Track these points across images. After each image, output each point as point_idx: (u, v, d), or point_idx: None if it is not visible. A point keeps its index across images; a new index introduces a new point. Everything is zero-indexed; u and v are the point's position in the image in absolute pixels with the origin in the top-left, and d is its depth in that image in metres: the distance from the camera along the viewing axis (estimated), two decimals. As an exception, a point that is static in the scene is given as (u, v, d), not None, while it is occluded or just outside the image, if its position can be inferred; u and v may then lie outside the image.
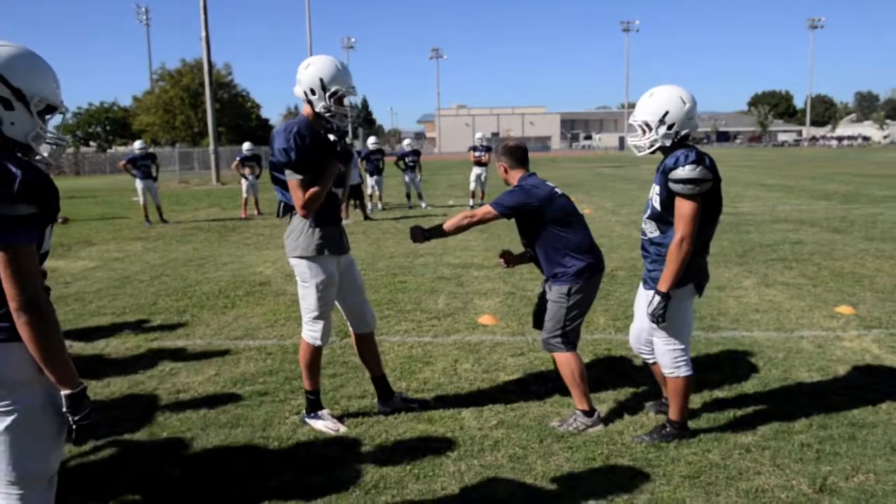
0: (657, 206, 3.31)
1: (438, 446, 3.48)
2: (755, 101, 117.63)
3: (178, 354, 5.17)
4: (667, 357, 3.41)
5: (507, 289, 7.14)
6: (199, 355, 5.12)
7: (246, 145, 16.44)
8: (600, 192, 19.65)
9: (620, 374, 4.47)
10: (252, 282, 7.88)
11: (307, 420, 3.79)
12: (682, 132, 3.26)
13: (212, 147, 31.44)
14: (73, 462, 3.42)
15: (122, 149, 59.56)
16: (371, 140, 16.23)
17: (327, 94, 3.43)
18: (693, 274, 3.32)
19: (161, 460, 3.44)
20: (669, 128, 3.24)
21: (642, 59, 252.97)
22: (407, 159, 16.42)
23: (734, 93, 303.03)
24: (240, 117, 52.19)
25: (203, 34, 29.93)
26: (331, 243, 3.56)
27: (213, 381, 4.54)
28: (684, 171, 3.13)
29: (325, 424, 3.73)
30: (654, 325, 3.37)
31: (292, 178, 3.40)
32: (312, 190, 3.42)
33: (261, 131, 54.04)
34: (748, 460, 3.27)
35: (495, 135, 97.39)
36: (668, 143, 3.27)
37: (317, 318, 3.62)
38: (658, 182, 3.30)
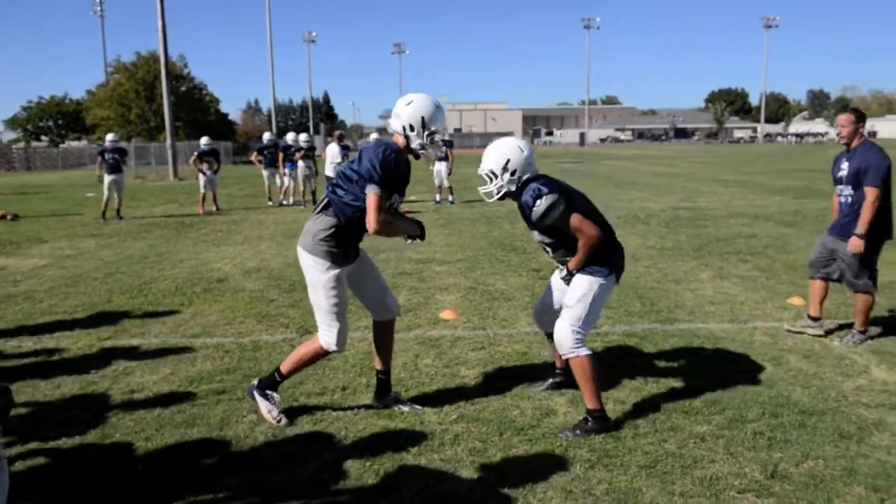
0: (546, 238, 3.70)
1: (398, 442, 3.47)
2: (712, 99, 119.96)
3: (133, 353, 5.05)
4: (569, 338, 3.57)
5: (468, 284, 7.15)
6: (155, 354, 5.01)
7: (204, 140, 16.11)
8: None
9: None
10: (210, 279, 7.74)
11: (254, 392, 3.77)
12: (524, 176, 3.59)
13: (169, 142, 30.78)
14: (24, 464, 3.31)
15: (74, 143, 58.02)
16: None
17: (425, 133, 3.52)
18: (615, 263, 3.68)
19: (114, 462, 3.36)
20: (512, 174, 3.58)
21: (603, 56, 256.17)
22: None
23: (692, 90, 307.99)
24: (198, 112, 50.95)
25: (159, 23, 29.29)
26: (336, 258, 3.55)
27: (169, 381, 4.45)
28: (540, 209, 3.49)
29: (268, 409, 3.72)
30: (569, 306, 3.60)
31: (374, 192, 3.39)
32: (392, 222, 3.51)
33: (220, 126, 53.00)
34: (703, 449, 3.34)
35: (458, 131, 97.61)
36: (512, 187, 3.61)
37: (333, 320, 3.59)
38: (531, 227, 3.69)
